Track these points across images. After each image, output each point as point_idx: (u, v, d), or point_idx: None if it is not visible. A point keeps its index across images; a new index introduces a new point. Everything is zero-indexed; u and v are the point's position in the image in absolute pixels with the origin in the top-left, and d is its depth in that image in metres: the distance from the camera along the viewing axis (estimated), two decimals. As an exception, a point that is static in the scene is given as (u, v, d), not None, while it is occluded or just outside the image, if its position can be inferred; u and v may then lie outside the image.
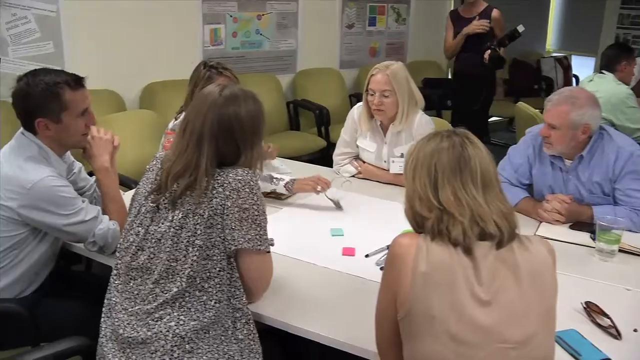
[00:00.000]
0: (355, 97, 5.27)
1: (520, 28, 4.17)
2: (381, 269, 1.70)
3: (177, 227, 1.47)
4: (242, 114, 1.54)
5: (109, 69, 3.96)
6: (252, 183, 1.51)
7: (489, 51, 4.18)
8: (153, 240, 1.50)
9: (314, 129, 4.80)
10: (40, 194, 1.77)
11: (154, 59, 4.21)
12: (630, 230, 2.16)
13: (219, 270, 1.47)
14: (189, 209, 1.47)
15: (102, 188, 1.98)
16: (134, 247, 1.52)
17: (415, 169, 1.33)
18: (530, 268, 1.26)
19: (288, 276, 1.79)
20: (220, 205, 1.47)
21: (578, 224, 2.20)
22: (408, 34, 5.87)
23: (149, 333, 1.42)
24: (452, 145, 1.30)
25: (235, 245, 1.47)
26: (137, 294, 1.49)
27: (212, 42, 4.51)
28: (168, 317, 1.43)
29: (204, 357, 1.42)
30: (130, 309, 1.48)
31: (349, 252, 1.97)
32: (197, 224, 1.46)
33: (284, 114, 4.92)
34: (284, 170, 2.58)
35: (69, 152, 2.11)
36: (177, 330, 1.42)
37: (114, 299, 1.52)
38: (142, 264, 1.50)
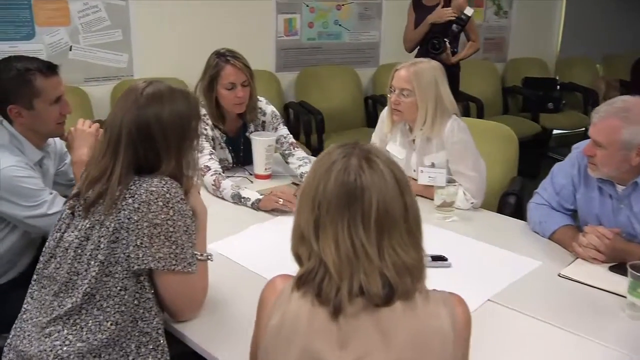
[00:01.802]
0: (371, 99, 4.89)
1: (468, 11, 3.54)
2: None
3: (83, 238, 1.35)
4: (165, 116, 1.38)
5: (176, 57, 3.98)
6: (168, 195, 1.34)
7: (434, 41, 3.61)
8: (62, 249, 1.39)
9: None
10: (2, 183, 1.74)
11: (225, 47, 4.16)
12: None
13: (120, 290, 1.32)
14: (97, 220, 1.35)
15: (77, 181, 1.92)
16: (48, 254, 1.42)
17: (302, 197, 1.06)
18: (411, 336, 0.98)
19: (238, 295, 1.61)
20: (127, 218, 1.32)
21: (620, 266, 1.78)
22: (510, 28, 5.35)
23: (36, 350, 1.31)
24: (344, 169, 1.00)
25: (139, 265, 1.32)
26: (43, 304, 1.39)
27: (286, 32, 4.39)
28: (57, 334, 1.32)
29: None
30: (35, 319, 1.38)
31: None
32: (102, 236, 1.33)
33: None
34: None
35: (61, 143, 2.08)
36: (59, 351, 1.29)
37: (26, 306, 1.44)
38: (50, 273, 1.39)
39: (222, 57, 2.39)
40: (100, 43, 3.73)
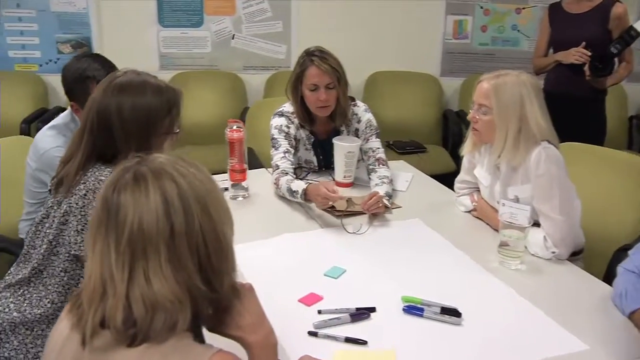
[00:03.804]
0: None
1: (639, 26, 2.67)
2: (309, 333, 1.39)
3: (45, 216, 1.42)
4: (126, 107, 1.36)
5: (335, 53, 3.95)
6: None
7: (589, 64, 2.83)
8: (34, 223, 1.46)
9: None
10: (47, 161, 1.94)
11: (385, 47, 4.07)
12: None
13: (61, 271, 1.37)
14: (57, 200, 1.41)
15: None
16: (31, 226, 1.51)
17: None
18: None
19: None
20: (76, 203, 1.35)
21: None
22: None
23: None
24: (111, 183, 0.89)
25: (76, 251, 1.34)
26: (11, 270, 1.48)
27: (455, 34, 4.10)
28: (4, 300, 1.40)
29: (6, 353, 1.34)
30: (3, 283, 1.49)
31: (309, 299, 1.56)
32: (55, 217, 1.38)
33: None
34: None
35: None
36: None
37: (11, 269, 1.54)
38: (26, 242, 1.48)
39: (309, 57, 2.30)
40: (261, 33, 3.90)
